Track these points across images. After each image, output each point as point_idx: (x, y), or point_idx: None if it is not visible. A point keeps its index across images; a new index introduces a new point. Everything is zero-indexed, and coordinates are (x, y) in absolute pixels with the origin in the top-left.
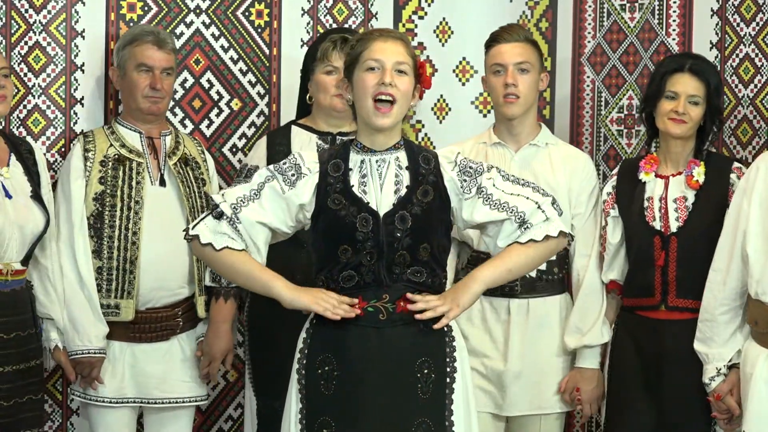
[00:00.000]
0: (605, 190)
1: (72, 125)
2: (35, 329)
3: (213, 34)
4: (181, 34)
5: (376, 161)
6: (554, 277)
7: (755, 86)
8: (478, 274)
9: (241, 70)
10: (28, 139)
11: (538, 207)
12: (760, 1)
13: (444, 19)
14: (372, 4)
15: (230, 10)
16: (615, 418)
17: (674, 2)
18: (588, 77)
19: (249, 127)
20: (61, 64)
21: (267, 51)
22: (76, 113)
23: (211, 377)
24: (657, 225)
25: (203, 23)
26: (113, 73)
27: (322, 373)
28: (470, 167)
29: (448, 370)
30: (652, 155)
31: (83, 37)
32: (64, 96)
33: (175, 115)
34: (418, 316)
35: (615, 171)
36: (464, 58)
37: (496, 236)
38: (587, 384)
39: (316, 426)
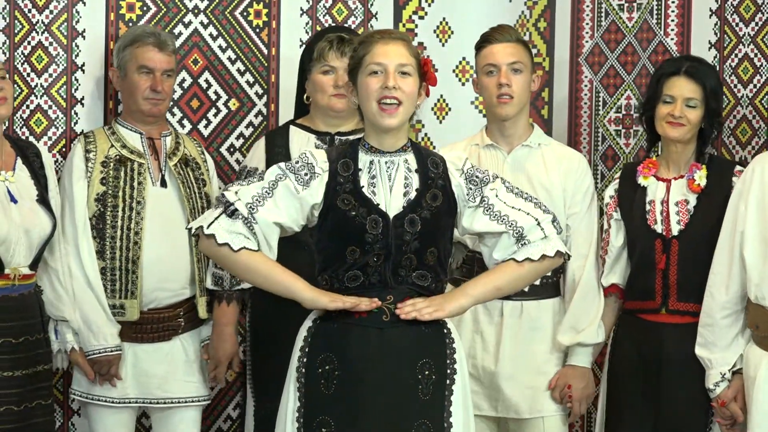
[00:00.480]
0: (607, 193)
1: (73, 125)
2: (44, 334)
3: (211, 34)
4: (180, 34)
5: (386, 162)
6: (548, 280)
7: (754, 86)
8: (469, 289)
9: (239, 70)
10: (32, 140)
11: (538, 224)
12: (759, 1)
13: (444, 19)
14: (372, 4)
15: (228, 10)
16: (614, 421)
17: (673, 2)
18: (586, 77)
19: (247, 127)
20: (63, 64)
21: (265, 51)
22: (76, 113)
23: (218, 380)
24: (659, 228)
25: (201, 23)
26: (113, 73)
27: (323, 372)
28: (476, 176)
29: (448, 371)
30: (650, 159)
31: (84, 37)
32: (65, 96)
33: (173, 115)
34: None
35: (617, 174)
36: (464, 58)
37: (493, 248)
38: (579, 382)
39: (315, 425)
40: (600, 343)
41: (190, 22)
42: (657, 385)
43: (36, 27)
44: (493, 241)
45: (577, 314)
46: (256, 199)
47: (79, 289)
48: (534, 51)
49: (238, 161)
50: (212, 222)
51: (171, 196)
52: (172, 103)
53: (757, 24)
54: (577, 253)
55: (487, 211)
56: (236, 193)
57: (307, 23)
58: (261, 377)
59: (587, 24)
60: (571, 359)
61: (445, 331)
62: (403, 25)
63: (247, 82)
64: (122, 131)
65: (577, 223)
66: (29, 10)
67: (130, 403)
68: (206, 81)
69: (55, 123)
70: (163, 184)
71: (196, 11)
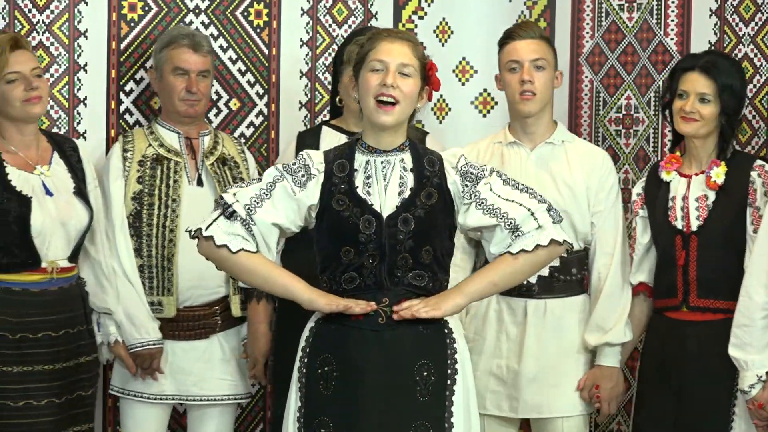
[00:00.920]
0: (635, 190)
1: (75, 125)
2: (87, 325)
3: (212, 34)
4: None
5: (381, 162)
6: (572, 277)
7: (754, 86)
8: (464, 287)
9: (240, 70)
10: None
11: (532, 214)
12: (758, 1)
13: (444, 19)
14: (372, 4)
15: (229, 10)
16: (640, 418)
17: (673, 2)
18: (586, 77)
19: (248, 127)
20: (65, 64)
21: (266, 51)
22: (79, 113)
23: (258, 378)
24: (679, 224)
25: (202, 23)
26: (151, 75)
27: (322, 372)
28: (471, 172)
29: (449, 372)
30: (673, 154)
31: (86, 37)
32: (67, 96)
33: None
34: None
35: (646, 171)
36: (464, 58)
37: (490, 242)
38: (607, 382)
39: (314, 425)
40: (628, 342)
41: (191, 23)
42: (678, 383)
43: (36, 27)
44: (490, 235)
45: (603, 314)
46: (254, 201)
47: (120, 285)
48: None
49: None
50: (211, 224)
51: (207, 195)
52: None
53: (757, 24)
54: (602, 251)
55: (480, 205)
56: (234, 194)
57: (307, 23)
58: (280, 377)
59: (587, 24)
60: (599, 359)
61: (446, 331)
62: (403, 25)
63: (248, 82)
64: (161, 131)
65: (601, 222)
66: (29, 10)
67: (165, 399)
68: None
69: (58, 123)
70: (200, 183)
71: (197, 11)
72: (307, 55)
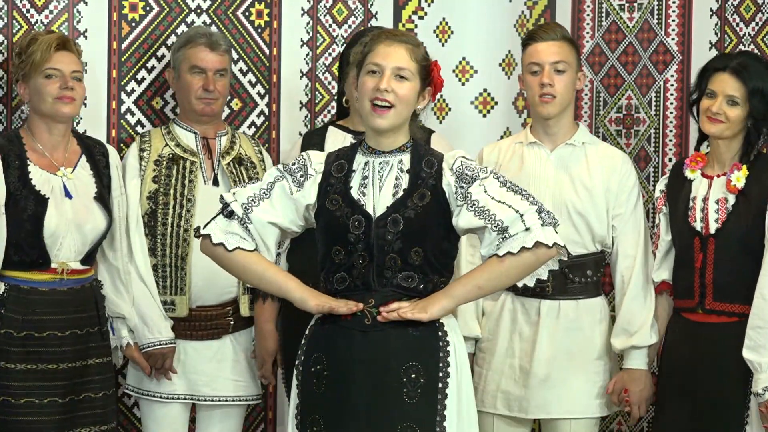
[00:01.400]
0: (658, 188)
1: (75, 125)
2: (99, 327)
3: None
4: (182, 34)
5: (380, 163)
6: (588, 279)
7: None
8: (451, 290)
9: (241, 70)
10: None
11: (520, 216)
12: (759, 1)
13: (444, 19)
14: (372, 4)
15: (230, 10)
16: (658, 419)
17: (673, 2)
18: (587, 77)
19: (249, 127)
20: None
21: (267, 51)
22: (80, 114)
23: (266, 377)
24: (698, 226)
25: (204, 23)
26: (168, 75)
27: (315, 371)
28: (466, 173)
29: (440, 375)
30: (698, 153)
31: (85, 37)
32: None
33: (175, 114)
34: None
35: (668, 169)
36: (464, 58)
37: (481, 244)
38: (635, 385)
39: (308, 423)
40: (655, 344)
41: (192, 22)
42: (693, 385)
43: (35, 27)
44: (481, 237)
45: (627, 317)
46: (252, 200)
47: (134, 284)
48: None
49: None
50: (209, 223)
51: None
52: (174, 102)
53: (757, 24)
54: (625, 254)
55: (471, 207)
56: (234, 194)
57: (308, 23)
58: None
59: (588, 24)
60: (627, 362)
61: (440, 333)
62: (403, 25)
63: (249, 82)
64: (178, 131)
65: (622, 224)
66: (27, 11)
67: (178, 398)
68: None
69: None
70: (215, 182)
71: (198, 11)
72: (307, 55)
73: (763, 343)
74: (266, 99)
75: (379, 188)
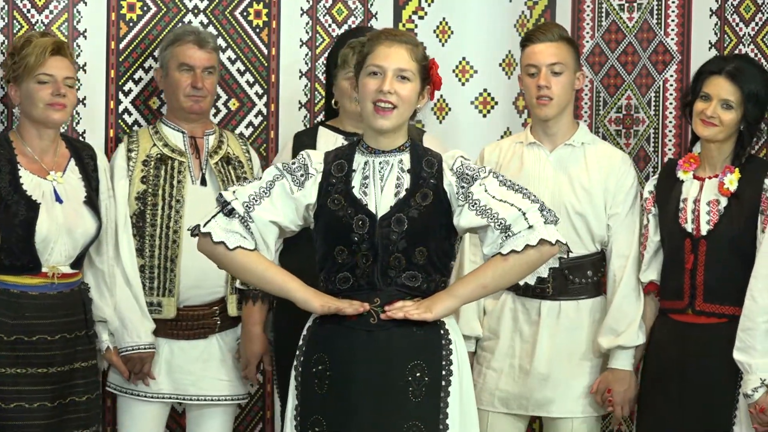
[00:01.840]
0: (647, 188)
1: (74, 125)
2: (86, 331)
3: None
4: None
5: (380, 163)
6: (588, 279)
7: None
8: (455, 289)
9: (239, 70)
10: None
11: (523, 214)
12: (759, 1)
13: (444, 19)
14: (372, 4)
15: (228, 10)
16: (643, 420)
17: (673, 2)
18: (586, 77)
19: (247, 127)
20: None
21: (265, 51)
22: (78, 113)
23: (250, 380)
24: (689, 227)
25: (201, 23)
26: (157, 74)
27: (317, 372)
28: (466, 173)
29: (444, 373)
30: (692, 154)
31: (85, 37)
32: None
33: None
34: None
35: (659, 169)
36: (464, 58)
37: (483, 243)
38: (620, 386)
39: (309, 424)
40: (641, 345)
41: (190, 22)
42: (681, 386)
43: (35, 27)
44: (483, 236)
45: (616, 316)
46: (253, 198)
47: (118, 287)
48: None
49: None
50: (209, 221)
51: (211, 195)
52: None
53: (757, 24)
54: (618, 253)
55: (472, 206)
56: (234, 192)
57: (307, 23)
58: (285, 377)
59: (588, 24)
60: (612, 362)
61: (442, 332)
62: (403, 25)
63: (247, 82)
64: (165, 130)
65: (618, 224)
66: (28, 11)
67: (163, 398)
68: None
69: None
70: (204, 182)
71: (196, 11)
72: (306, 55)
73: (753, 345)
74: (264, 99)
75: (380, 188)
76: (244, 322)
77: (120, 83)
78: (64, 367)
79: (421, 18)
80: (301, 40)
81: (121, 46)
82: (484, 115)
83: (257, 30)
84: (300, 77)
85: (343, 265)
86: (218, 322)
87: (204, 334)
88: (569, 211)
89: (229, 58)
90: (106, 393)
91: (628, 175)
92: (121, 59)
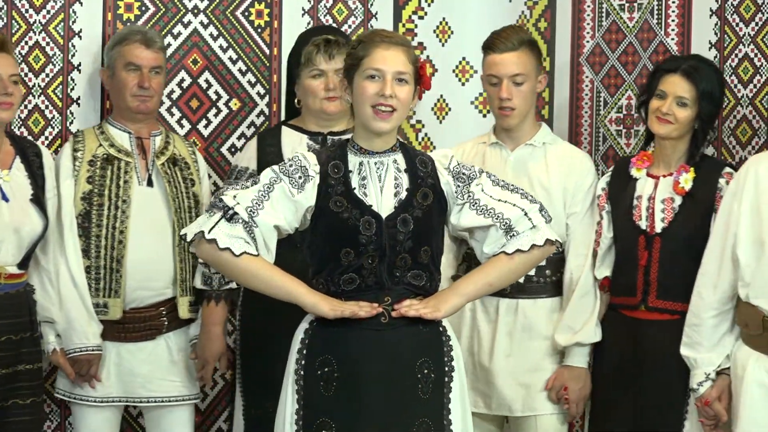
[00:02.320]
0: (599, 186)
1: (68, 125)
2: (31, 333)
3: (211, 34)
4: (179, 34)
5: (375, 163)
6: (546, 279)
7: (754, 86)
8: (461, 288)
9: (240, 70)
10: (29, 139)
11: (525, 214)
12: (759, 1)
13: (444, 19)
14: (372, 4)
15: (229, 10)
16: (598, 417)
17: (673, 2)
18: (587, 77)
19: (248, 127)
20: (59, 64)
21: (267, 51)
22: (72, 113)
23: (205, 380)
24: (643, 224)
25: (201, 23)
26: (103, 73)
27: (322, 374)
28: (463, 173)
29: (446, 369)
30: (645, 152)
31: (80, 37)
32: (61, 96)
33: (172, 115)
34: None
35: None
36: (464, 58)
37: (483, 242)
38: (575, 383)
39: (315, 427)
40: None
41: (189, 22)
42: (636, 382)
43: (33, 27)
44: (483, 235)
45: (573, 314)
46: (256, 203)
47: (64, 288)
48: None
49: None
50: (213, 227)
51: (157, 196)
52: (171, 102)
53: (757, 24)
54: (576, 252)
55: (473, 206)
56: (234, 197)
57: (308, 23)
58: (251, 377)
59: (588, 24)
60: (568, 359)
61: (441, 329)
62: (403, 25)
63: (249, 82)
64: (111, 131)
65: (576, 223)
66: (26, 10)
67: (113, 402)
68: (206, 81)
69: (52, 123)
70: (150, 183)
71: (195, 11)
72: None
73: (699, 340)
74: (266, 99)
75: (380, 188)
76: (204, 322)
77: None
78: (9, 369)
79: (421, 18)
80: None
81: None
82: (484, 115)
83: (258, 30)
84: None
85: (349, 266)
86: (165, 323)
87: (151, 335)
88: None
89: (230, 58)
90: (53, 398)
91: (588, 175)
92: None
